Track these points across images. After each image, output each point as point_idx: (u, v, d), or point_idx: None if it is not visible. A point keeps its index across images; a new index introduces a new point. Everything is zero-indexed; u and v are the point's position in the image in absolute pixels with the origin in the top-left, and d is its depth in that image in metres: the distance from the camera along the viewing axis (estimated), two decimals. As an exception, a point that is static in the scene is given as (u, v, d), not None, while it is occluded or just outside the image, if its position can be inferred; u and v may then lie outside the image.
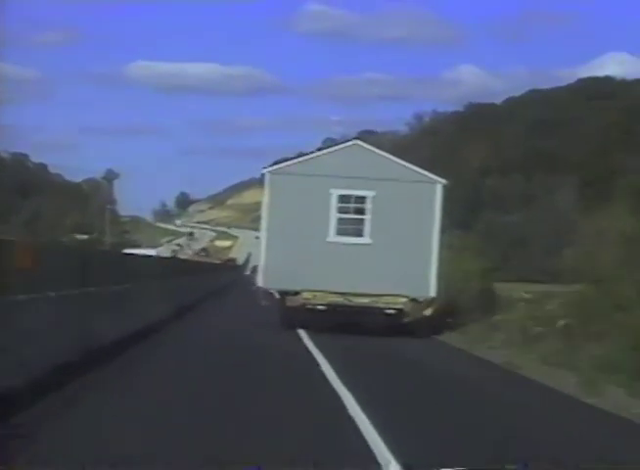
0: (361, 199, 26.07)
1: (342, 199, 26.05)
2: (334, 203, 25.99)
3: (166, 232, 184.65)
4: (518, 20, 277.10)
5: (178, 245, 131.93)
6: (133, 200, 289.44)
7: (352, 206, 26.15)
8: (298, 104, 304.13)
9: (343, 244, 25.89)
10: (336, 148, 26.84)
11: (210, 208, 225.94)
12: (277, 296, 25.78)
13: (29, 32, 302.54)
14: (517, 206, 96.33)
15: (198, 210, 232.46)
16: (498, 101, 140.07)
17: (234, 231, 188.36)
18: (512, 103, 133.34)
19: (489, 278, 39.92)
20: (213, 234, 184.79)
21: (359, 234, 26.07)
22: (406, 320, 26.35)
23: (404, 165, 26.63)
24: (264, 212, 26.45)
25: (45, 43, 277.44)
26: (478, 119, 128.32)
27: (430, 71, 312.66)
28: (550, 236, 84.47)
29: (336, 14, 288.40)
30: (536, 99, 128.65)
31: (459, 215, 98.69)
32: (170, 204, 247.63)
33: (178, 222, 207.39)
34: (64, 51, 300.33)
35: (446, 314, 29.09)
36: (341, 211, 26.08)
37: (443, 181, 26.41)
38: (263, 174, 26.29)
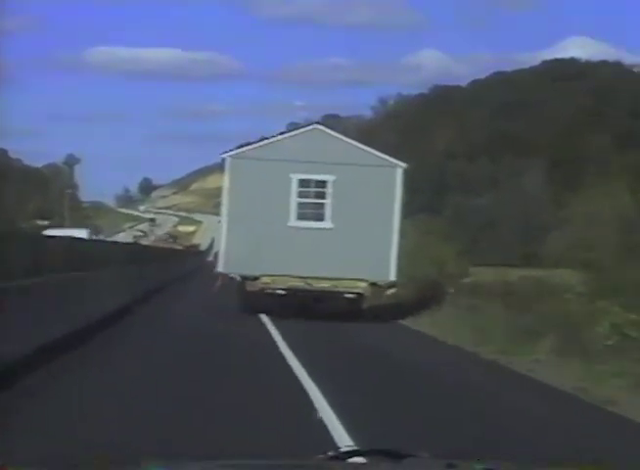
0: (322, 183, 26.33)
1: (303, 183, 26.29)
2: (294, 187, 26.23)
3: (129, 218, 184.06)
4: (480, 4, 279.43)
5: (140, 231, 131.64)
6: (96, 186, 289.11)
7: (313, 190, 26.40)
8: (262, 89, 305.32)
9: (304, 228, 26.15)
10: (296, 132, 27.00)
11: (174, 193, 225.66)
12: (238, 279, 26.08)
13: None
14: (484, 189, 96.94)
15: (161, 195, 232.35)
16: (463, 83, 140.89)
17: (197, 216, 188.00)
18: (477, 86, 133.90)
19: (464, 262, 39.86)
20: (177, 219, 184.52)
21: (320, 218, 26.34)
22: (366, 305, 26.83)
23: (364, 150, 26.93)
24: (224, 197, 26.65)
25: (3, 30, 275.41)
26: (443, 102, 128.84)
27: (393, 56, 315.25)
28: (519, 220, 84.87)
29: None
30: (501, 81, 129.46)
31: (425, 199, 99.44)
32: (133, 189, 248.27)
33: (142, 208, 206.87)
34: (22, 37, 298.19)
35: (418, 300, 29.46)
36: (301, 195, 26.32)
37: (404, 165, 26.74)
38: (223, 159, 26.49)
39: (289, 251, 25.78)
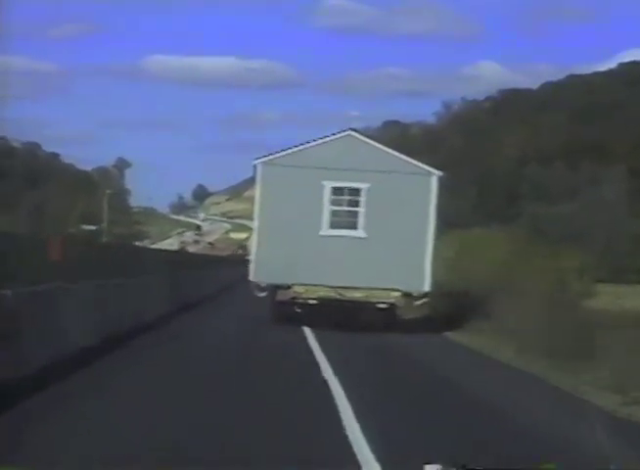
0: (355, 191, 27.30)
1: (336, 191, 27.26)
2: (327, 195, 27.21)
3: (179, 224, 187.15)
4: (539, 15, 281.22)
5: (184, 240, 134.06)
6: (148, 192, 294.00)
7: (346, 198, 27.35)
8: (317, 98, 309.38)
9: (337, 237, 27.15)
10: (329, 139, 27.69)
11: (227, 200, 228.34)
12: (263, 289, 27.18)
13: (46, 26, 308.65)
14: (561, 197, 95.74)
15: (214, 202, 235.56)
16: (534, 87, 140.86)
17: (251, 223, 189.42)
18: (549, 89, 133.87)
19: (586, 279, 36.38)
20: (229, 226, 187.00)
21: (353, 227, 27.30)
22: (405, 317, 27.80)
23: (399, 157, 27.85)
24: (256, 205, 27.71)
25: (62, 37, 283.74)
26: (512, 106, 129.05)
27: (450, 67, 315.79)
28: (610, 230, 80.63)
29: (355, 8, 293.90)
30: (575, 84, 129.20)
31: (494, 207, 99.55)
32: (187, 196, 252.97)
33: (202, 215, 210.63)
34: (81, 44, 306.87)
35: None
36: (334, 203, 27.27)
37: (439, 173, 27.58)
38: (255, 166, 27.62)
39: (321, 260, 26.73)
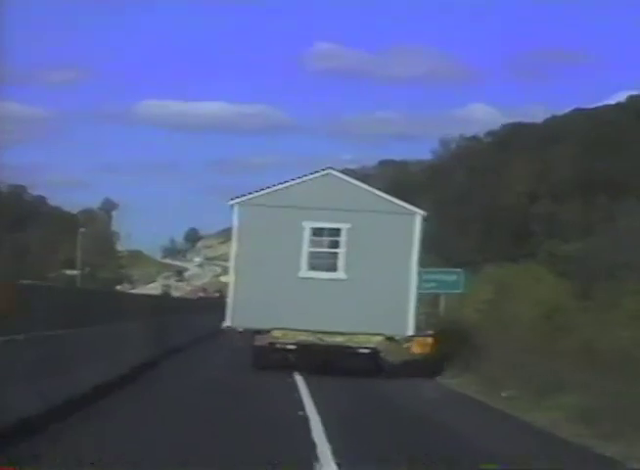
0: (335, 231, 27.65)
1: (316, 232, 27.61)
2: (306, 236, 27.52)
3: (169, 268, 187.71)
4: (532, 58, 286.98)
5: (165, 285, 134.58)
6: (138, 235, 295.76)
7: (326, 239, 27.72)
8: (310, 142, 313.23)
9: (316, 279, 27.53)
10: (308, 177, 28.06)
11: (220, 242, 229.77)
12: (242, 335, 27.51)
13: (36, 71, 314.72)
14: (576, 233, 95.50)
15: (207, 245, 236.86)
16: (539, 120, 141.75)
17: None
18: (554, 122, 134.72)
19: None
20: (219, 270, 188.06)
21: (333, 269, 27.63)
22: (392, 361, 28.07)
23: (381, 196, 28.27)
24: (233, 246, 28.08)
25: (52, 82, 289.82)
26: (517, 141, 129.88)
27: (443, 109, 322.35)
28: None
29: (347, 52, 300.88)
30: (581, 118, 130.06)
31: (502, 245, 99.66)
32: (179, 239, 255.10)
33: (197, 259, 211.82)
34: (71, 90, 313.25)
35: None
36: (313, 244, 27.58)
37: (422, 213, 27.98)
38: (232, 206, 28.06)
39: (299, 303, 26.98)
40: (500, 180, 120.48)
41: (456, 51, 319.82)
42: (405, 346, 27.56)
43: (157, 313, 31.11)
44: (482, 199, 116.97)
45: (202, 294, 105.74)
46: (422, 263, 28.53)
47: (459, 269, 41.97)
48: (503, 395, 22.31)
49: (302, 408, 18.21)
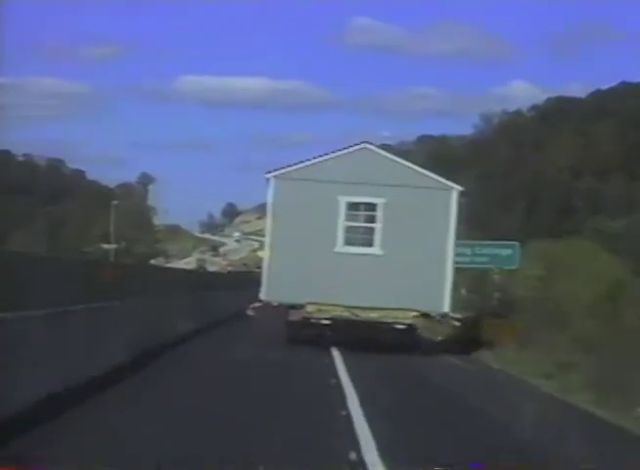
0: (371, 206, 27.76)
1: (351, 206, 27.73)
2: (342, 210, 27.68)
3: (206, 243, 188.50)
4: (571, 35, 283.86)
5: (200, 259, 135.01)
6: (176, 209, 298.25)
7: (362, 214, 27.82)
8: (348, 119, 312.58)
9: (352, 254, 27.64)
10: (344, 152, 28.15)
11: (258, 218, 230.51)
12: (276, 309, 27.75)
13: (78, 46, 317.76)
14: (620, 210, 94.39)
15: (244, 220, 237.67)
16: (583, 95, 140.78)
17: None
18: (599, 97, 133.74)
19: None
20: (256, 244, 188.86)
21: (369, 244, 27.73)
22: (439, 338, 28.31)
23: (417, 171, 28.30)
24: (268, 220, 28.29)
25: (93, 57, 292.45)
26: (561, 115, 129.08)
27: (480, 87, 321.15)
28: None
29: (385, 28, 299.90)
30: (627, 92, 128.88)
31: (546, 221, 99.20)
32: (217, 214, 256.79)
33: (237, 234, 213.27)
34: (111, 65, 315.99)
35: None
36: (349, 218, 27.73)
37: (459, 188, 28.01)
38: (267, 180, 28.22)
39: (334, 278, 27.09)
40: (543, 155, 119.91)
41: (495, 28, 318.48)
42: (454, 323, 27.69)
43: (187, 287, 31.07)
44: (526, 174, 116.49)
45: (230, 268, 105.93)
46: (462, 238, 28.58)
47: (514, 242, 39.09)
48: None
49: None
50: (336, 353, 25.34)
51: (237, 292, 45.69)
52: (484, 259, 36.69)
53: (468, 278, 40.08)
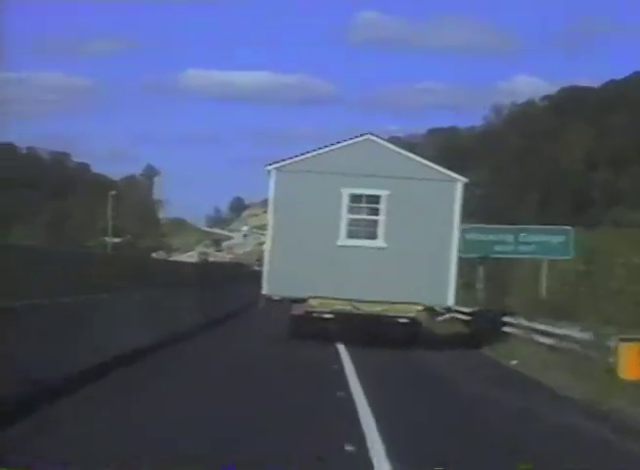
0: (374, 198, 27.79)
1: (354, 198, 27.79)
2: (345, 203, 27.69)
3: (213, 237, 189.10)
4: (578, 28, 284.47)
5: (203, 253, 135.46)
6: (184, 204, 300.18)
7: (365, 206, 27.88)
8: (355, 113, 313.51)
9: (355, 247, 27.73)
10: (347, 143, 28.13)
11: (264, 212, 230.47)
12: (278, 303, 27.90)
13: (81, 41, 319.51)
14: (638, 201, 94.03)
15: (252, 214, 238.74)
16: (596, 85, 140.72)
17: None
18: (613, 87, 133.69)
19: None
20: (262, 238, 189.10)
21: (372, 237, 27.80)
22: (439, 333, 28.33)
23: (421, 162, 28.34)
24: (270, 213, 28.38)
25: (98, 52, 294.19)
26: (574, 105, 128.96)
27: (488, 81, 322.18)
28: None
29: (391, 22, 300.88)
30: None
31: (560, 213, 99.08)
32: (224, 208, 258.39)
33: (245, 228, 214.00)
34: (116, 60, 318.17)
35: None
36: (352, 211, 27.76)
37: (464, 179, 28.02)
38: (269, 171, 28.34)
39: (337, 271, 27.16)
40: (557, 146, 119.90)
41: (502, 21, 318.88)
42: (440, 318, 27.73)
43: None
44: (539, 165, 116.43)
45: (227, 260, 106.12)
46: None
47: (567, 227, 34.78)
48: None
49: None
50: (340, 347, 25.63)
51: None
52: (531, 248, 33.48)
53: (488, 269, 37.44)
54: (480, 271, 36.91)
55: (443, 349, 28.04)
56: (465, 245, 33.25)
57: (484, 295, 36.70)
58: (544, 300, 32.39)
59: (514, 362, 24.10)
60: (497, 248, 34.30)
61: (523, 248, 33.50)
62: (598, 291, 30.48)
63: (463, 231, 33.41)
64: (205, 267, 47.37)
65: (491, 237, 35.69)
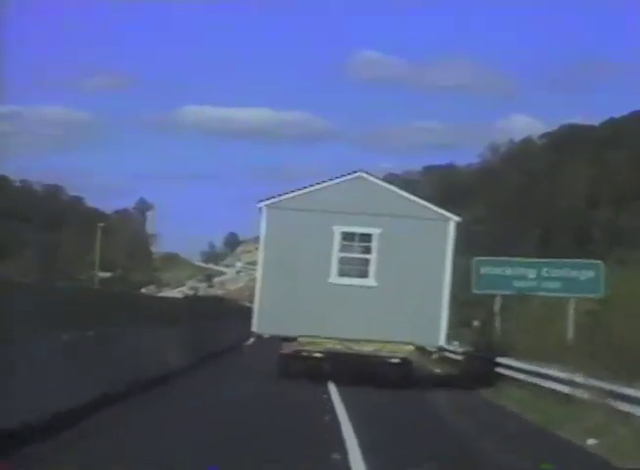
0: (366, 236, 27.87)
1: (346, 236, 27.86)
2: (336, 241, 27.75)
3: (206, 272, 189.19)
4: (573, 70, 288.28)
5: (193, 288, 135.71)
6: (178, 239, 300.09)
7: (357, 244, 27.97)
8: (352, 151, 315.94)
9: (346, 286, 27.80)
10: (339, 180, 28.25)
11: (257, 248, 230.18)
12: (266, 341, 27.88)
13: (81, 77, 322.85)
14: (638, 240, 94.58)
15: (245, 250, 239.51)
16: (596, 123, 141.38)
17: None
18: (613, 125, 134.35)
19: None
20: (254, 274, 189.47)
21: (363, 275, 27.84)
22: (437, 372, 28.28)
23: (414, 201, 28.40)
24: (260, 250, 28.47)
25: (97, 87, 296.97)
26: (573, 143, 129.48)
27: (485, 120, 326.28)
28: None
29: (390, 61, 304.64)
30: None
31: (561, 251, 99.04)
32: (219, 244, 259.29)
33: (238, 264, 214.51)
34: (115, 95, 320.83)
35: None
36: (343, 249, 27.84)
37: (457, 218, 28.11)
38: (260, 208, 28.42)
39: (328, 310, 27.13)
40: (556, 184, 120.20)
41: (498, 62, 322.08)
42: (434, 356, 27.76)
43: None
44: (539, 203, 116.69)
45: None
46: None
47: (597, 261, 31.87)
48: None
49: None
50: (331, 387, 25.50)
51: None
52: (556, 286, 30.69)
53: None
54: (497, 305, 33.61)
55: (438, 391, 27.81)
56: (478, 280, 32.79)
57: (493, 334, 34.14)
58: (570, 344, 28.68)
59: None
60: (517, 284, 31.41)
61: (547, 284, 30.75)
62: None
63: (476, 264, 33.35)
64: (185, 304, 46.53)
65: (509, 271, 32.58)
